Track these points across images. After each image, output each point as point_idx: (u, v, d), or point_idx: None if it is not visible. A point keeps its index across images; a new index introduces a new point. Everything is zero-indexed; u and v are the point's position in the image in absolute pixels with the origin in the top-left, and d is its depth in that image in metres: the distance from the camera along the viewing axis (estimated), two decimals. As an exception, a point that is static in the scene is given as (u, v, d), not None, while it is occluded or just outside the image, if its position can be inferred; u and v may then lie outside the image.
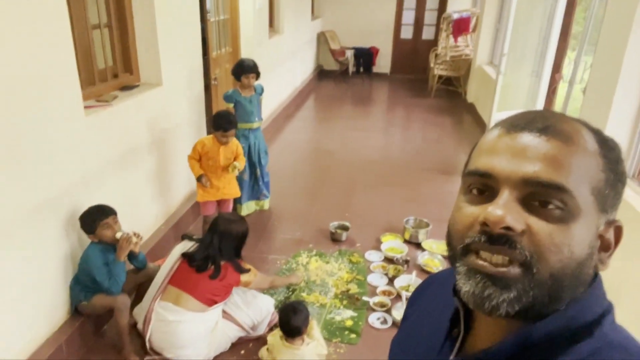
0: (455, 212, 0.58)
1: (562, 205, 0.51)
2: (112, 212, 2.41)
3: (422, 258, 3.33)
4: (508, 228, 0.51)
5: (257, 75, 3.68)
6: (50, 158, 2.19)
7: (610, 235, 0.56)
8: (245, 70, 3.60)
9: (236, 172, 3.22)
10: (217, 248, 2.46)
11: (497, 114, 4.65)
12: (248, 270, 2.54)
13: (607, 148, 0.56)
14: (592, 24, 3.94)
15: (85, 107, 2.47)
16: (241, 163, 3.29)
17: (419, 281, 3.02)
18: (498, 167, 0.54)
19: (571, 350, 0.52)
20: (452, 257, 0.58)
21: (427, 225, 3.66)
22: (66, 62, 2.24)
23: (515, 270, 0.51)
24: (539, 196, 0.52)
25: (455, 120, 7.12)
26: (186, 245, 2.53)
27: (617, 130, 2.80)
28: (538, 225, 0.51)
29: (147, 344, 2.40)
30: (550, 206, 0.51)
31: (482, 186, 0.56)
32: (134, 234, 2.40)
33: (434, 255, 3.37)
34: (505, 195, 0.52)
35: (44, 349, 2.24)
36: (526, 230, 0.51)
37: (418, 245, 3.54)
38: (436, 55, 8.54)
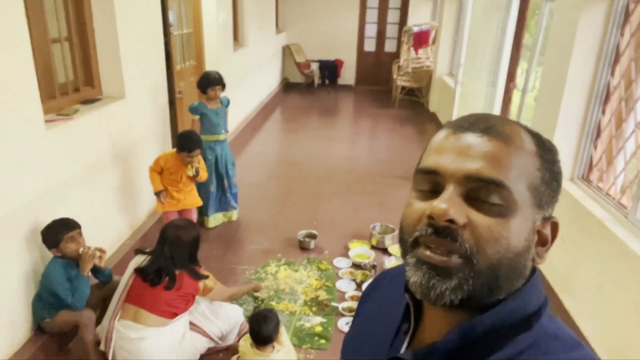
0: (406, 209, 0.62)
1: (501, 201, 0.55)
2: (77, 226, 2.38)
3: (389, 263, 3.40)
4: (452, 221, 0.54)
5: (223, 87, 3.70)
6: (9, 172, 2.15)
7: (547, 230, 0.60)
8: (211, 82, 3.62)
9: (192, 172, 3.17)
10: (169, 257, 2.39)
11: (456, 122, 4.81)
12: (206, 277, 2.48)
13: (544, 149, 0.60)
14: (542, 36, 4.16)
15: (46, 121, 2.44)
16: (203, 174, 3.30)
17: (386, 285, 3.08)
18: (443, 164, 0.58)
19: (512, 341, 0.56)
20: (404, 251, 0.61)
21: (393, 230, 3.75)
22: (25, 75, 2.22)
23: (456, 260, 0.55)
24: (480, 192, 0.55)
25: (418, 130, 7.32)
26: (139, 260, 2.46)
27: (565, 134, 2.97)
28: (478, 218, 0.55)
29: None
30: (490, 201, 0.55)
31: (430, 183, 0.59)
32: (98, 249, 2.38)
33: (400, 259, 3.45)
34: (450, 191, 0.56)
35: (5, 370, 2.17)
36: (468, 223, 0.55)
37: (385, 251, 3.62)
38: (399, 67, 8.77)
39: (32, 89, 2.27)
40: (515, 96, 5.01)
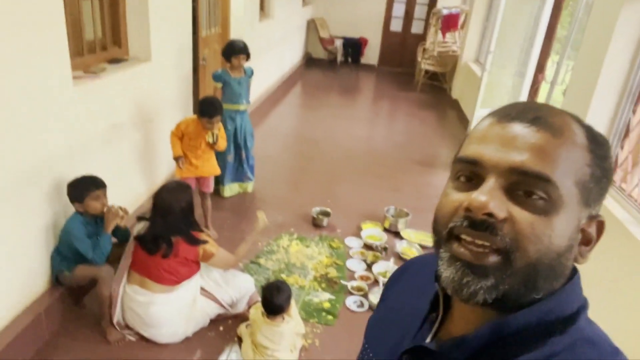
0: (442, 198, 0.59)
1: (546, 196, 0.52)
2: (103, 185, 2.42)
3: (401, 246, 3.41)
4: (490, 215, 0.52)
5: (248, 56, 3.68)
6: (36, 126, 2.17)
7: (592, 229, 0.57)
8: (236, 50, 3.60)
9: (212, 139, 3.12)
10: (163, 224, 2.35)
11: (480, 110, 4.75)
12: (204, 242, 2.41)
13: (596, 143, 0.56)
14: (576, 29, 4.04)
15: (74, 77, 2.45)
16: (222, 142, 3.25)
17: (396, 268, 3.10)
18: (486, 155, 0.55)
19: (546, 343, 0.53)
20: (437, 242, 0.59)
21: (407, 214, 3.75)
22: (56, 30, 2.22)
23: (493, 258, 0.53)
24: (524, 186, 0.53)
25: (439, 115, 7.23)
26: (139, 227, 2.43)
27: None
28: (520, 214, 0.52)
29: (117, 323, 2.41)
30: (534, 196, 0.52)
31: (470, 173, 0.57)
32: (121, 208, 2.42)
33: (411, 244, 3.46)
34: (491, 183, 0.53)
35: (22, 318, 2.24)
36: (508, 218, 0.52)
37: (397, 234, 3.63)
38: (424, 50, 8.62)
39: (62, 44, 2.27)
40: (543, 88, 4.90)
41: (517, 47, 5.14)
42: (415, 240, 3.52)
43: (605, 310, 2.44)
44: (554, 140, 0.53)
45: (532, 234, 0.52)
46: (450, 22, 8.08)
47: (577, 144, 0.55)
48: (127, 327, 2.44)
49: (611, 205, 2.61)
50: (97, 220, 2.46)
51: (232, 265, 2.61)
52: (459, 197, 0.56)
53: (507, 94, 5.24)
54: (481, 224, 0.53)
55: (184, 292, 2.41)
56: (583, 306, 0.57)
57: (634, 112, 2.78)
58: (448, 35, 8.34)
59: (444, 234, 0.57)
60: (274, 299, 2.22)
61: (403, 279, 0.81)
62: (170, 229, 2.35)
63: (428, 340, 0.63)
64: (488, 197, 0.52)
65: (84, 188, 2.34)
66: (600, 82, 2.85)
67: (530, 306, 0.55)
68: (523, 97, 5.01)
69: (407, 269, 0.83)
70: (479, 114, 4.76)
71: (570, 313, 0.56)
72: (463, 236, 0.54)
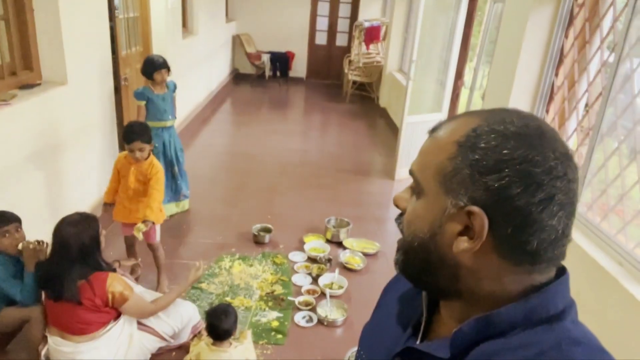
0: None
1: (415, 186, 0.63)
2: (13, 219, 2.20)
3: (344, 256, 3.43)
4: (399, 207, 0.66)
5: (168, 70, 3.56)
6: (-63, 162, 1.95)
7: (463, 218, 0.57)
8: (157, 66, 3.47)
9: (140, 236, 2.64)
10: (59, 263, 2.05)
11: (408, 117, 4.92)
12: (103, 281, 2.09)
13: (472, 146, 0.56)
14: (488, 37, 4.33)
15: (-21, 106, 2.23)
16: (151, 216, 2.66)
17: (342, 278, 3.10)
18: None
19: (532, 341, 0.54)
20: None
21: (348, 224, 3.78)
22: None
23: (401, 238, 0.66)
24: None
25: (369, 124, 7.41)
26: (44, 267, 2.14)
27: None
28: (410, 203, 0.64)
29: None
30: (414, 189, 0.64)
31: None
32: (38, 242, 2.21)
33: (354, 252, 3.48)
34: (409, 184, 0.66)
35: None
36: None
37: (340, 244, 3.64)
38: (350, 62, 8.83)
39: (-37, 70, 2.07)
40: (463, 93, 5.19)
41: (436, 56, 5.41)
42: (358, 249, 3.55)
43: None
44: (428, 141, 0.63)
45: (408, 217, 0.64)
46: (372, 34, 8.35)
47: (442, 140, 0.60)
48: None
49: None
50: (19, 259, 2.24)
51: (149, 314, 2.30)
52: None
53: (431, 101, 5.49)
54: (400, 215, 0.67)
55: (114, 332, 2.21)
56: (569, 306, 0.58)
57: (547, 111, 3.01)
58: (371, 46, 8.61)
59: None
60: (221, 324, 2.12)
61: (397, 287, 0.83)
62: (66, 269, 2.04)
63: (417, 342, 0.66)
64: (398, 194, 0.67)
65: None
66: (515, 84, 3.06)
67: (514, 303, 0.56)
68: (445, 102, 5.26)
69: (402, 277, 0.85)
70: (407, 120, 4.92)
71: (555, 312, 0.57)
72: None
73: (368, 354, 0.77)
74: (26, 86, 2.75)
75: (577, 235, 2.38)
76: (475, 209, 0.55)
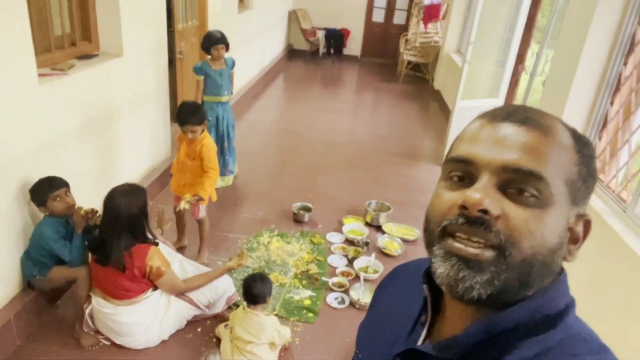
0: (434, 198, 0.60)
1: (537, 193, 0.53)
2: (64, 184, 2.34)
3: (382, 241, 3.39)
4: (485, 211, 0.53)
5: (227, 46, 3.62)
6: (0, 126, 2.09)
7: (579, 228, 0.59)
8: (214, 41, 3.54)
9: (186, 206, 2.72)
10: (109, 231, 2.16)
11: (461, 102, 4.74)
12: (144, 256, 2.21)
13: (582, 144, 0.58)
14: (556, 18, 4.04)
15: (40, 75, 2.35)
16: (205, 184, 2.74)
17: (378, 263, 3.08)
18: (479, 153, 0.56)
19: (537, 340, 0.54)
20: (429, 241, 0.59)
21: (389, 208, 3.73)
22: (19, 25, 2.12)
23: (489, 253, 0.53)
24: (516, 183, 0.54)
25: (421, 107, 7.21)
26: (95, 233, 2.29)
27: (570, 122, 2.89)
28: (514, 211, 0.53)
29: (87, 328, 2.36)
30: (526, 193, 0.53)
31: (463, 173, 0.58)
32: (92, 210, 2.35)
33: (393, 238, 3.44)
34: (485, 180, 0.54)
35: (-9, 324, 2.17)
36: (502, 214, 0.53)
37: (379, 228, 3.61)
38: (406, 41, 8.58)
39: (25, 40, 2.18)
40: (523, 79, 4.91)
41: (497, 37, 5.13)
42: (397, 234, 3.50)
43: (582, 302, 2.45)
44: (544, 139, 0.55)
45: (526, 230, 0.52)
46: (432, 13, 8.04)
47: (565, 143, 0.56)
48: (99, 332, 2.38)
49: (593, 202, 2.62)
50: (68, 221, 2.39)
51: (179, 292, 2.38)
52: (452, 196, 0.57)
53: (488, 85, 5.24)
54: (476, 220, 0.53)
55: (153, 298, 2.34)
56: (571, 304, 0.59)
57: (611, 103, 2.79)
58: (430, 25, 8.30)
59: (437, 232, 0.57)
60: (257, 287, 2.22)
61: (393, 284, 0.81)
62: (115, 237, 2.16)
63: (419, 342, 0.64)
64: (483, 194, 0.53)
65: (43, 190, 2.27)
66: (578, 73, 2.84)
67: (520, 303, 0.55)
68: (503, 88, 5.01)
69: (398, 274, 0.83)
70: (460, 105, 4.74)
71: (558, 310, 0.57)
72: (458, 234, 0.55)
73: (366, 354, 0.75)
74: (84, 56, 2.87)
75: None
76: (590, 217, 0.58)
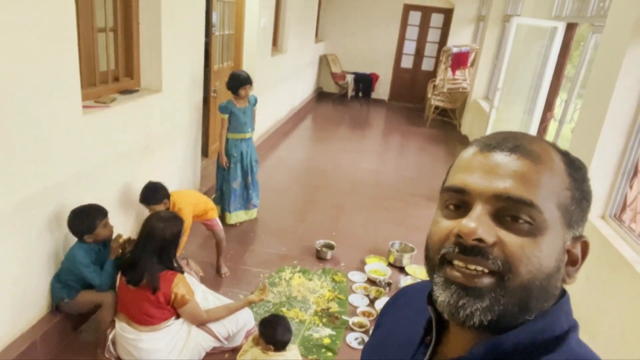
0: (433, 226, 0.61)
1: (531, 220, 0.54)
2: (107, 212, 2.45)
3: (405, 282, 3.35)
4: (480, 240, 0.54)
5: (251, 85, 3.78)
6: (43, 153, 2.21)
7: (577, 250, 0.59)
8: (242, 82, 3.69)
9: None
10: (141, 251, 2.24)
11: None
12: (170, 282, 2.27)
13: (574, 168, 0.59)
14: (586, 68, 4.07)
15: (84, 106, 2.51)
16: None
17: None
18: (472, 183, 0.57)
19: None
20: (430, 268, 0.61)
21: (412, 250, 3.69)
22: (69, 61, 2.29)
23: (487, 280, 0.54)
24: (510, 211, 0.55)
25: (448, 151, 7.22)
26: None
27: (600, 170, 2.88)
28: (509, 238, 0.54)
29: (108, 354, 2.40)
30: (520, 221, 0.54)
31: (458, 202, 0.59)
32: (129, 239, 2.45)
33: (416, 280, 3.39)
34: (478, 210, 0.56)
35: (17, 344, 2.22)
36: (497, 242, 0.54)
37: (402, 269, 3.57)
38: (434, 86, 8.71)
39: (73, 74, 2.34)
40: (552, 127, 4.89)
41: (525, 85, 5.17)
42: (420, 276, 3.45)
43: (613, 353, 2.34)
44: (534, 166, 0.56)
45: (523, 255, 0.54)
46: (460, 60, 8.18)
47: (556, 169, 0.57)
48: (120, 358, 2.40)
49: (620, 245, 2.55)
50: (100, 248, 2.47)
51: (200, 322, 2.41)
52: (449, 225, 0.58)
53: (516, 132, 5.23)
54: (472, 249, 0.55)
55: (175, 327, 2.36)
56: (574, 327, 0.59)
57: (642, 151, 2.75)
58: (458, 72, 8.43)
59: (437, 260, 0.59)
60: (286, 335, 2.24)
61: (397, 306, 0.82)
62: (148, 257, 2.23)
63: None
64: (476, 223, 0.54)
65: (94, 217, 2.37)
66: (607, 120, 2.84)
67: (522, 325, 0.56)
68: (532, 134, 4.98)
69: (401, 296, 0.84)
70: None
71: (560, 333, 0.57)
72: (455, 262, 0.56)
73: None
74: (126, 91, 3.04)
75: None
76: (587, 238, 0.59)
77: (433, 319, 0.65)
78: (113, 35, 2.97)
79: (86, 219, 2.36)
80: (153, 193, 2.84)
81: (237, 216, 3.98)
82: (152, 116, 3.22)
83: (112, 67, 3.00)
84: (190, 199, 3.03)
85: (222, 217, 3.86)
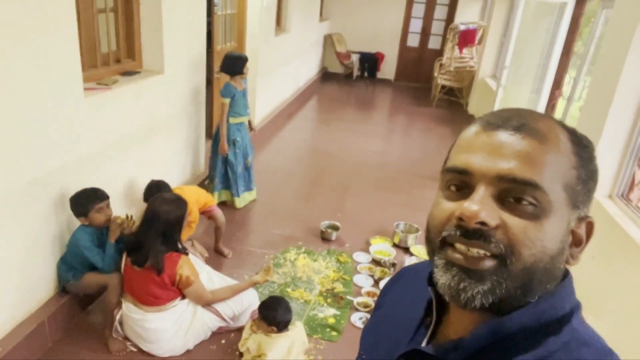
0: (434, 208, 0.60)
1: (535, 201, 0.52)
2: (106, 197, 2.44)
3: (409, 262, 3.35)
4: (483, 223, 0.52)
5: None
6: (45, 135, 2.21)
7: (582, 230, 0.58)
8: (245, 59, 3.64)
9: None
10: (145, 232, 2.26)
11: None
12: (171, 265, 2.29)
13: (581, 146, 0.57)
14: (595, 44, 3.98)
15: (85, 89, 2.49)
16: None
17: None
18: (475, 164, 0.55)
19: (541, 343, 0.54)
20: (431, 250, 0.60)
21: (417, 230, 3.69)
22: (69, 42, 2.26)
23: (489, 263, 0.53)
24: (513, 193, 0.53)
25: (455, 131, 7.15)
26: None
27: (608, 149, 2.83)
28: (512, 220, 0.53)
29: (116, 334, 2.43)
30: (524, 202, 0.53)
31: (460, 182, 0.57)
32: (127, 217, 2.44)
33: (420, 260, 3.39)
34: (481, 192, 0.54)
35: (25, 325, 2.26)
36: (500, 225, 0.53)
37: (406, 250, 3.57)
38: (441, 65, 8.58)
39: (74, 56, 2.32)
40: (560, 104, 4.82)
41: (533, 62, 5.08)
42: (425, 257, 3.44)
43: (619, 332, 2.34)
44: (539, 146, 0.54)
45: (525, 239, 0.52)
46: (467, 38, 8.04)
47: (562, 147, 0.55)
48: (126, 338, 2.44)
49: (627, 224, 2.53)
50: (103, 231, 2.48)
51: (205, 303, 2.43)
52: (451, 207, 0.56)
53: (523, 110, 5.16)
54: (474, 232, 0.53)
55: (180, 307, 2.39)
56: (576, 307, 0.58)
57: (651, 129, 2.70)
58: (465, 50, 8.29)
59: (437, 242, 0.57)
60: (287, 315, 2.29)
61: (397, 287, 0.82)
62: (152, 238, 2.26)
63: (424, 344, 0.64)
64: (479, 206, 0.53)
65: (86, 202, 2.36)
66: (616, 99, 2.78)
67: (525, 307, 0.55)
68: (537, 111, 4.92)
69: (402, 277, 0.84)
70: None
71: (563, 314, 0.56)
72: (457, 245, 0.55)
73: (369, 355, 0.75)
74: (127, 73, 3.02)
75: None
76: (592, 219, 0.57)
77: (433, 300, 0.64)
78: (113, 15, 2.93)
79: (79, 203, 2.36)
80: (157, 190, 2.84)
81: (243, 199, 3.98)
82: (154, 98, 3.20)
83: (113, 49, 2.97)
84: (192, 195, 3.01)
85: (232, 203, 3.88)
